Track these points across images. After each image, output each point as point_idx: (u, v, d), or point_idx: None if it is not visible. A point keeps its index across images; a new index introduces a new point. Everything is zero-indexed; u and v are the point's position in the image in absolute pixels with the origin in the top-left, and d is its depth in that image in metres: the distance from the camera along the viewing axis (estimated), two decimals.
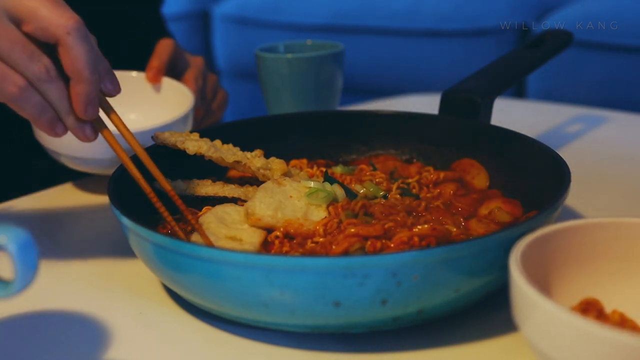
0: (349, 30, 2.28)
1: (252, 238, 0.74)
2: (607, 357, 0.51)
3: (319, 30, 2.32)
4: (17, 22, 0.65)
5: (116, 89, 0.72)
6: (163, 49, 1.09)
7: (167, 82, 1.07)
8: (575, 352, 0.53)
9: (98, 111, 0.70)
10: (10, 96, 0.66)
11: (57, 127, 0.69)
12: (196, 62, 1.14)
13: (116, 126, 0.74)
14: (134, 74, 1.07)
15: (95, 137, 0.72)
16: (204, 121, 1.12)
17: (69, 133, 0.80)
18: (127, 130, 0.75)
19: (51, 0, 0.65)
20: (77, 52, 0.65)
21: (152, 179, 0.84)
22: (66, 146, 0.93)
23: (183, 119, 0.97)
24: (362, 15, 2.28)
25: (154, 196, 0.74)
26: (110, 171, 0.92)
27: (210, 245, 0.73)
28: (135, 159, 0.76)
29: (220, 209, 0.78)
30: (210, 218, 0.76)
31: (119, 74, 0.87)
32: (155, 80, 1.06)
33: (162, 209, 0.74)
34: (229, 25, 2.52)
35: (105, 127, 0.73)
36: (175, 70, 1.12)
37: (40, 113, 0.67)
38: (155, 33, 1.28)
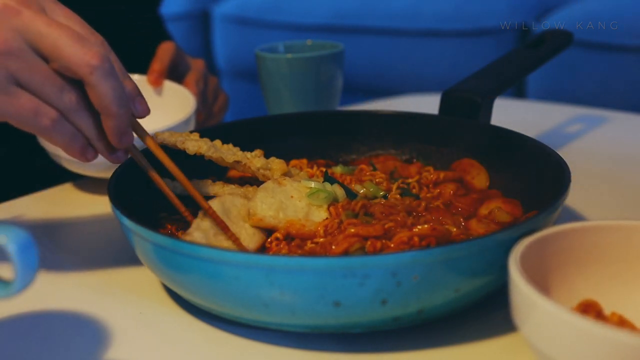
0: (349, 30, 2.28)
1: (249, 241, 0.74)
2: (606, 357, 0.51)
3: (319, 30, 2.32)
4: (44, 57, 0.65)
5: (145, 111, 0.73)
6: (164, 52, 1.09)
7: (169, 86, 1.07)
8: (574, 352, 0.53)
9: (132, 138, 0.71)
10: (44, 129, 0.66)
11: (88, 153, 0.70)
12: (197, 65, 1.14)
13: (151, 149, 0.75)
14: (135, 77, 1.07)
15: (126, 158, 0.73)
16: (205, 124, 1.12)
17: None
18: (161, 151, 0.76)
19: (73, 36, 0.64)
20: (102, 91, 0.65)
21: (150, 179, 0.84)
22: None
23: (185, 123, 0.97)
24: (362, 15, 2.28)
25: (189, 215, 0.76)
26: (108, 174, 0.92)
27: (224, 226, 0.73)
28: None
29: (229, 200, 0.78)
30: (216, 206, 0.76)
31: None
32: (156, 84, 1.06)
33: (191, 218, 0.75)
34: (229, 25, 2.52)
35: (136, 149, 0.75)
36: (176, 73, 1.12)
37: (71, 142, 0.68)
38: (153, 34, 1.28)
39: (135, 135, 0.73)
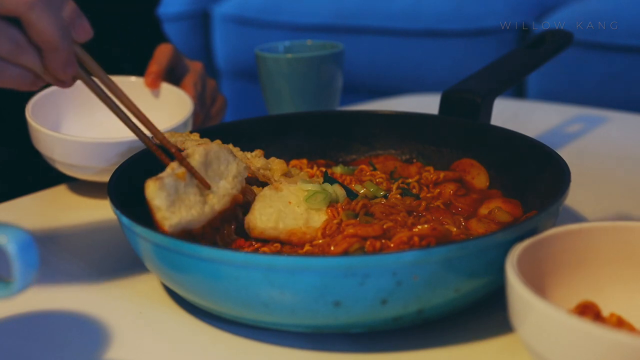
0: (349, 30, 2.28)
1: (217, 202, 0.74)
2: (603, 358, 0.51)
3: (319, 30, 2.31)
4: None
5: (87, 33, 0.68)
6: (162, 54, 1.09)
7: (166, 88, 1.07)
8: (571, 354, 0.53)
9: (77, 67, 0.67)
10: None
11: (38, 84, 0.67)
12: (195, 67, 1.14)
13: (94, 73, 0.71)
14: (133, 79, 1.07)
15: (74, 83, 0.69)
16: (203, 127, 1.12)
17: (64, 145, 0.80)
18: (123, 93, 0.72)
19: None
20: (43, 26, 0.62)
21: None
22: (61, 154, 0.94)
23: (182, 125, 0.97)
24: (362, 15, 2.28)
25: (160, 153, 0.74)
26: (102, 177, 0.92)
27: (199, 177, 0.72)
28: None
29: (214, 153, 0.75)
30: (198, 157, 0.73)
31: (118, 79, 0.87)
32: (153, 86, 1.06)
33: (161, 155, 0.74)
34: (229, 25, 2.52)
35: (85, 75, 0.70)
36: (174, 75, 1.11)
37: (19, 82, 0.65)
38: (150, 36, 1.28)
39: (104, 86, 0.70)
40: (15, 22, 0.62)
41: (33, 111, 0.96)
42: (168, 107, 1.04)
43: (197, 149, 0.74)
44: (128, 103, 0.72)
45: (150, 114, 0.82)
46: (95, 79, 0.71)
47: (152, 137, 0.76)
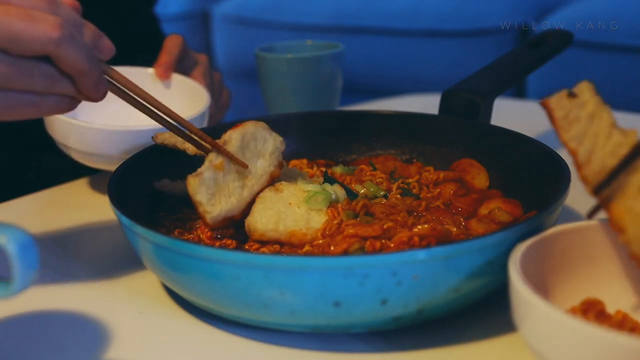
0: (349, 30, 2.28)
1: (255, 182, 0.75)
2: (603, 359, 0.51)
3: (319, 30, 2.31)
4: (1, 49, 0.63)
5: (110, 49, 0.71)
6: (172, 44, 1.07)
7: (178, 79, 1.05)
8: (573, 354, 0.53)
9: (106, 84, 0.70)
10: (29, 115, 0.67)
11: (75, 104, 0.70)
12: (202, 60, 1.13)
13: (120, 82, 0.73)
14: (142, 70, 1.05)
15: (105, 96, 0.71)
16: (211, 120, 1.11)
17: (76, 131, 0.82)
18: (131, 82, 0.74)
19: (24, 16, 0.62)
20: (71, 58, 0.65)
21: (150, 178, 0.84)
22: (77, 141, 0.93)
23: (200, 117, 0.96)
24: (362, 15, 2.28)
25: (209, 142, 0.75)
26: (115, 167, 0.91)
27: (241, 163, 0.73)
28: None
29: (251, 132, 0.76)
30: (235, 139, 0.74)
31: (128, 70, 0.87)
32: (165, 77, 1.04)
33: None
34: (229, 25, 2.52)
35: (115, 87, 0.73)
36: (182, 67, 1.10)
37: (58, 108, 0.68)
38: (148, 34, 1.28)
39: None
40: (45, 57, 0.65)
41: None
42: (182, 98, 1.03)
43: (233, 134, 0.75)
44: (158, 105, 0.74)
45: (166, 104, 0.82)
46: (123, 88, 0.73)
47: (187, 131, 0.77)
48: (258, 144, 0.77)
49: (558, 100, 0.60)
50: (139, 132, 0.91)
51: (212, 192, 0.73)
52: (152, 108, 0.75)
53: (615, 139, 0.59)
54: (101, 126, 0.92)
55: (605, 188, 0.58)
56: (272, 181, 0.77)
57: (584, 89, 0.62)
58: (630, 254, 0.58)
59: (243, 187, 0.75)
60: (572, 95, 0.61)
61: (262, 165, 0.77)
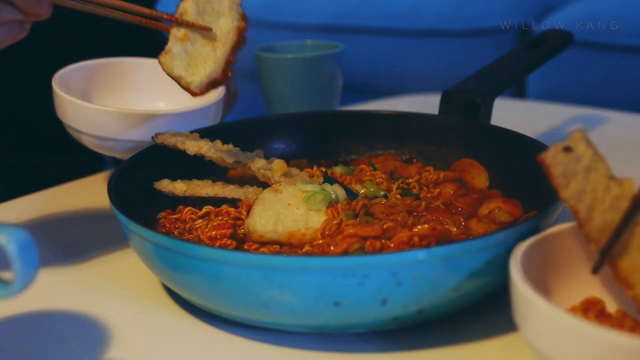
0: (349, 30, 2.28)
1: (225, 41, 0.78)
2: (604, 358, 0.51)
3: (319, 30, 2.31)
4: None
5: None
6: None
7: None
8: (573, 354, 0.53)
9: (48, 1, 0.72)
10: None
11: (26, 28, 0.71)
12: None
13: None
14: (149, 61, 1.04)
15: (51, 10, 0.73)
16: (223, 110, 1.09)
17: (91, 115, 0.85)
18: None
19: None
20: None
21: (150, 178, 0.84)
22: (89, 125, 0.91)
23: (216, 104, 0.95)
24: (362, 15, 2.28)
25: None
26: (128, 154, 0.90)
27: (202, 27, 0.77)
28: None
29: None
30: (190, 6, 0.77)
31: (139, 61, 0.91)
32: None
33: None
34: None
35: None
36: None
37: (11, 37, 0.70)
38: (147, 33, 1.27)
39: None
40: None
41: (60, 84, 0.94)
42: None
43: (186, 4, 0.77)
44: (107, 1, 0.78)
45: (179, 94, 0.84)
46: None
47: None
48: (214, 4, 0.79)
49: (554, 156, 0.61)
50: (156, 116, 0.90)
51: (186, 63, 0.76)
52: (102, 6, 0.77)
53: (613, 191, 0.60)
54: (117, 109, 0.91)
55: (611, 249, 0.59)
56: (240, 34, 0.79)
57: (578, 141, 0.63)
58: (638, 308, 0.60)
59: (215, 49, 0.77)
60: (567, 149, 0.62)
61: (225, 23, 0.78)
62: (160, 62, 0.75)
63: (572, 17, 2.02)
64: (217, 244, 0.74)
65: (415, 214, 0.78)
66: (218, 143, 0.86)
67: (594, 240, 0.59)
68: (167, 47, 0.76)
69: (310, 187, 0.78)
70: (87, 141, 0.94)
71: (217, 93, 0.97)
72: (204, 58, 0.77)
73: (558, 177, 0.60)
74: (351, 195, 0.80)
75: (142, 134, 0.90)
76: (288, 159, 0.91)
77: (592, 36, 1.95)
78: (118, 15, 0.77)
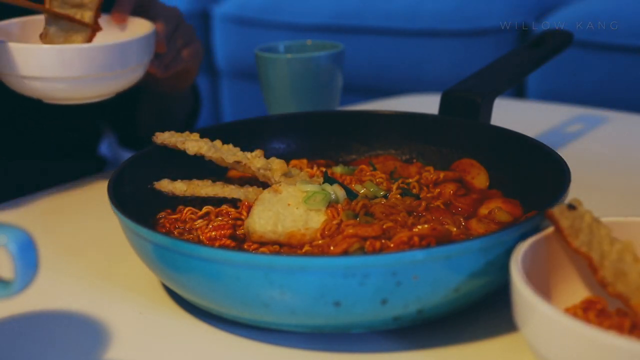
0: (349, 30, 2.28)
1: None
2: None
3: (319, 30, 2.31)
4: None
5: None
6: None
7: (132, 20, 1.03)
8: (572, 355, 0.53)
9: None
10: None
11: None
12: (170, 11, 1.09)
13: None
14: (103, 16, 1.02)
15: None
16: (172, 66, 1.06)
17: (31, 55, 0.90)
18: None
19: None
20: None
21: (150, 178, 0.85)
22: (30, 67, 0.91)
23: (139, 41, 0.95)
24: (362, 15, 2.28)
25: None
26: (74, 94, 0.94)
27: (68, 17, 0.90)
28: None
29: None
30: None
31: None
32: (118, 20, 1.02)
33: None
34: (229, 25, 2.51)
35: None
36: (146, 16, 1.07)
37: None
38: None
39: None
40: None
41: None
42: (130, 32, 1.02)
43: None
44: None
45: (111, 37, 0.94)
46: None
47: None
48: None
49: (561, 212, 0.64)
50: (87, 51, 0.91)
51: (63, 39, 0.94)
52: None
53: (617, 246, 0.62)
54: (53, 46, 0.93)
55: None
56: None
57: (578, 202, 0.65)
58: (624, 304, 0.60)
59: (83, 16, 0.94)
60: (571, 207, 0.64)
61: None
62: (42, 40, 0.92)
63: (572, 17, 2.03)
64: (217, 244, 0.74)
65: (415, 214, 0.78)
66: (218, 143, 0.86)
67: (610, 284, 0.60)
68: (44, 31, 0.93)
69: (310, 187, 0.77)
70: (17, 84, 0.94)
71: (148, 27, 0.98)
72: (77, 32, 0.94)
73: (567, 229, 0.63)
74: (351, 195, 0.80)
75: (80, 70, 0.91)
76: (288, 159, 0.91)
77: (592, 36, 1.95)
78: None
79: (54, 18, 0.93)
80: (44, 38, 0.94)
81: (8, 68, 0.92)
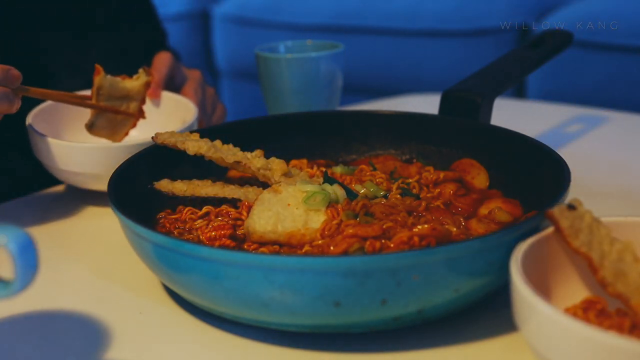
0: (349, 30, 2.28)
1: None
2: None
3: (319, 30, 2.31)
4: None
5: (17, 79, 0.84)
6: (161, 62, 1.08)
7: (167, 96, 1.05)
8: (572, 355, 0.53)
9: (11, 98, 0.84)
10: None
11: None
12: (194, 75, 1.13)
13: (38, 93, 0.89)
14: None
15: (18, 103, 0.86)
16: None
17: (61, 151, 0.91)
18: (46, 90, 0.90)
19: None
20: None
21: (150, 178, 0.85)
22: (62, 161, 0.93)
23: (188, 129, 0.95)
24: (362, 15, 2.28)
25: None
26: (97, 185, 0.94)
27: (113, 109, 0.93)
28: None
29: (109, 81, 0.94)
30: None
31: None
32: (155, 95, 1.05)
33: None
34: (229, 25, 2.51)
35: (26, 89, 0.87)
36: (173, 84, 1.10)
37: None
38: (147, 24, 1.26)
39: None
40: None
41: (34, 122, 0.95)
42: (171, 115, 1.03)
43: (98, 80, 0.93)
44: (69, 99, 0.94)
45: (154, 123, 0.91)
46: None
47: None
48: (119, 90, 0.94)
49: (560, 212, 0.64)
50: (129, 147, 0.91)
51: (110, 130, 0.97)
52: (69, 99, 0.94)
53: (617, 246, 0.63)
54: (84, 144, 0.93)
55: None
56: (148, 87, 0.97)
57: (578, 202, 0.65)
58: (625, 304, 0.61)
59: (129, 107, 0.96)
60: (571, 207, 0.64)
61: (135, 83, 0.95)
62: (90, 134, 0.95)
63: (572, 17, 2.03)
64: (217, 244, 0.74)
65: (415, 214, 0.78)
66: (218, 143, 0.86)
67: (610, 284, 0.61)
68: (90, 120, 0.94)
69: (310, 187, 0.77)
70: (61, 176, 0.96)
71: (190, 116, 0.99)
72: (122, 121, 0.96)
73: (567, 229, 0.63)
74: (351, 195, 0.80)
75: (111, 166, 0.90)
76: (288, 159, 0.91)
77: (592, 36, 1.95)
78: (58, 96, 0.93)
79: (101, 112, 0.94)
80: (91, 129, 0.95)
81: (50, 161, 0.94)
